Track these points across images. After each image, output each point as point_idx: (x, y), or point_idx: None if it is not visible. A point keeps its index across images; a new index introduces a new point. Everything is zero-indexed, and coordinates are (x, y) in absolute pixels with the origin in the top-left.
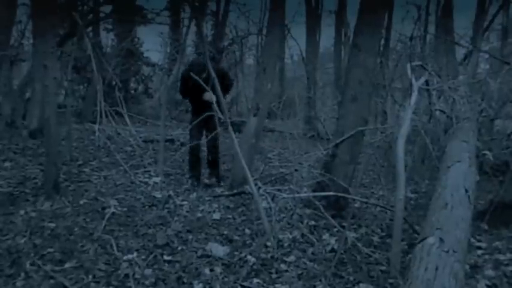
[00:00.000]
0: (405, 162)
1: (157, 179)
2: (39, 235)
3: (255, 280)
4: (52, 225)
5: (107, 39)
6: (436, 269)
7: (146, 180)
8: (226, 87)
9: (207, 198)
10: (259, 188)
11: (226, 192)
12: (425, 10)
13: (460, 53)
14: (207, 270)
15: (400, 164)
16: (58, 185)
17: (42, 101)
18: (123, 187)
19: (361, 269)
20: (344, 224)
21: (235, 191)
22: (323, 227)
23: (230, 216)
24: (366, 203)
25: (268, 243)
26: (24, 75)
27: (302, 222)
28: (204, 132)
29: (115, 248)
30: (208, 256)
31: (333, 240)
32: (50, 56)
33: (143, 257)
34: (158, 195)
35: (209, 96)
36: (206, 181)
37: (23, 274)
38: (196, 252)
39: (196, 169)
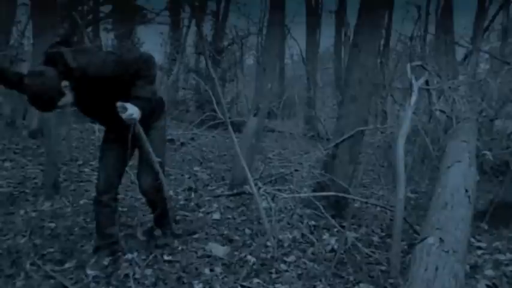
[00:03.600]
0: (405, 162)
1: None
2: (39, 235)
3: (255, 280)
4: (52, 225)
5: (107, 39)
6: (436, 269)
7: None
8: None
9: (207, 198)
10: (259, 188)
11: (226, 192)
12: (425, 10)
13: (460, 53)
14: (207, 270)
15: (400, 164)
16: (58, 185)
17: None
18: (123, 187)
19: (361, 269)
20: (344, 224)
21: (235, 191)
22: (323, 227)
23: (230, 216)
24: (366, 203)
25: (268, 243)
26: None
27: (302, 222)
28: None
29: None
30: (208, 256)
31: (333, 240)
32: None
33: (143, 257)
34: None
35: (126, 113)
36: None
37: (23, 274)
38: (196, 252)
39: (105, 231)
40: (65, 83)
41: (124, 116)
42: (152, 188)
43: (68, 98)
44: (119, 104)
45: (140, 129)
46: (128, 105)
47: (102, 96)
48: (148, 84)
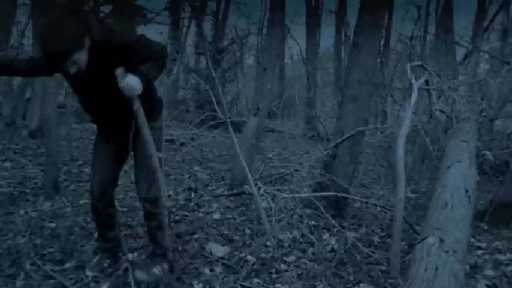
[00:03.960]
0: (405, 162)
1: None
2: (39, 235)
3: (255, 280)
4: (52, 225)
5: None
6: (436, 269)
7: None
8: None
9: (207, 198)
10: (259, 188)
11: (226, 192)
12: (425, 10)
13: (460, 53)
14: (207, 270)
15: (400, 164)
16: (58, 185)
17: (42, 101)
18: (123, 187)
19: (361, 269)
20: (344, 224)
21: (235, 191)
22: (323, 227)
23: (230, 216)
24: (366, 203)
25: (268, 243)
26: None
27: (302, 222)
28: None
29: None
30: (208, 256)
31: (333, 240)
32: None
33: (143, 257)
34: None
35: (125, 80)
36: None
37: (23, 274)
38: (196, 252)
39: (107, 235)
40: (87, 39)
41: (122, 84)
42: (151, 194)
43: (83, 56)
44: (119, 70)
45: (142, 114)
46: (129, 74)
47: (107, 79)
48: (158, 69)
